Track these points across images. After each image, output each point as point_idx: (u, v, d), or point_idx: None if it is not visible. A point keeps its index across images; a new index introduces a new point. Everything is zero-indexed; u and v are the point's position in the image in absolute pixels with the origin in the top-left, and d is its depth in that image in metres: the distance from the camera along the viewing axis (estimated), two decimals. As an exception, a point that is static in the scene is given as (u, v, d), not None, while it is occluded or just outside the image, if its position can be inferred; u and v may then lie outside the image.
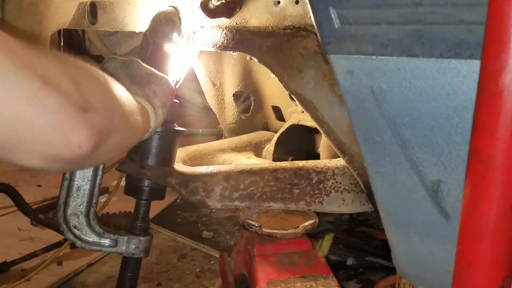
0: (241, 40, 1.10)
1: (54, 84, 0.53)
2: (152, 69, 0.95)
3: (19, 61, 0.50)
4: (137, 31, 1.39)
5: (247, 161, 1.49)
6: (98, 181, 1.05)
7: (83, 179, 1.04)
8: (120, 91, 0.72)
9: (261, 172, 1.18)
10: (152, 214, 2.02)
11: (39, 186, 3.09)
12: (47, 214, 2.39)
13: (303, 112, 1.55)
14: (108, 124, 0.62)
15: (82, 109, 0.56)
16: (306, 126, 1.57)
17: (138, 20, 1.36)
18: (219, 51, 1.16)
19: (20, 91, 0.49)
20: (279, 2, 1.04)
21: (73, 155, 0.55)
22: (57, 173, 0.67)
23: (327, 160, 1.26)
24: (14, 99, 0.49)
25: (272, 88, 1.77)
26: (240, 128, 1.86)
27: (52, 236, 2.17)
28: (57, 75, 0.54)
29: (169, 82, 0.96)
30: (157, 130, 1.02)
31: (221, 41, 1.13)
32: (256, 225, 1.22)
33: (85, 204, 1.05)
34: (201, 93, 2.03)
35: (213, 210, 2.69)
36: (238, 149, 1.61)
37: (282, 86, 1.06)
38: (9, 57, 0.49)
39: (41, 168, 0.57)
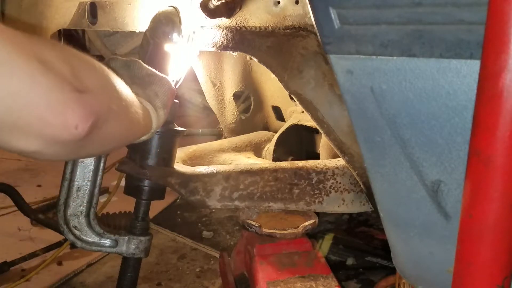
0: (241, 40, 1.10)
1: (50, 65, 0.55)
2: (153, 70, 0.95)
3: (17, 44, 0.52)
4: (137, 31, 1.39)
5: (247, 161, 1.49)
6: (98, 181, 1.05)
7: (83, 179, 1.04)
8: (118, 81, 0.73)
9: (261, 172, 1.18)
10: (152, 214, 2.03)
11: (39, 186, 3.09)
12: (47, 214, 2.39)
13: (303, 112, 1.55)
14: (105, 108, 0.63)
15: (77, 90, 0.57)
16: (306, 126, 1.57)
17: (138, 20, 1.36)
18: (219, 51, 1.16)
19: (17, 71, 0.51)
20: (279, 2, 1.04)
21: (70, 135, 0.56)
22: (56, 160, 0.67)
23: (327, 160, 1.26)
24: (12, 78, 0.51)
25: (272, 88, 1.77)
26: (240, 128, 1.86)
27: (52, 236, 2.17)
28: (53, 58, 0.57)
29: (170, 83, 0.96)
30: (157, 130, 1.02)
31: (221, 41, 1.13)
32: (256, 225, 1.22)
33: (85, 204, 1.05)
34: (201, 93, 2.02)
35: (213, 210, 2.69)
36: (238, 149, 1.61)
37: (282, 86, 1.06)
38: (8, 40, 0.51)
39: (38, 152, 0.57)
